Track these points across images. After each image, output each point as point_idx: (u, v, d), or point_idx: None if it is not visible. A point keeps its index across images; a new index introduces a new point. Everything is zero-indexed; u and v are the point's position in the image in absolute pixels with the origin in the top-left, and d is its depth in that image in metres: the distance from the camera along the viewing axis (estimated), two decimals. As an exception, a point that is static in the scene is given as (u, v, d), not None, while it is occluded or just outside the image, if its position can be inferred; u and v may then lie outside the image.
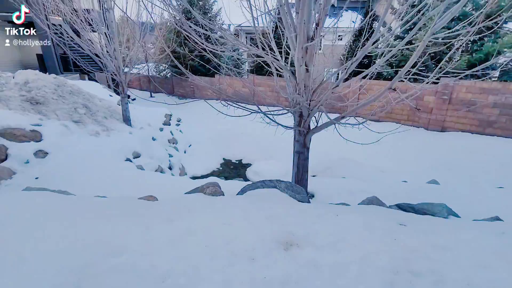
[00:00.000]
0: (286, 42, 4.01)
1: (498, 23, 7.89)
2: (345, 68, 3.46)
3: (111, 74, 8.28)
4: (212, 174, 8.06)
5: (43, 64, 12.41)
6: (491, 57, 9.94)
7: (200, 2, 16.46)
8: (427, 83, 3.04)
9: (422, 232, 1.69)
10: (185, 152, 9.11)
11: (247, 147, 9.60)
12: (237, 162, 9.07)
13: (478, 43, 9.75)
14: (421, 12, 2.88)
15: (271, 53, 3.89)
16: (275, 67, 4.02)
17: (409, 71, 3.02)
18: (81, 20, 6.95)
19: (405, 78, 3.18)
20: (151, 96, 17.92)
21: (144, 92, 19.19)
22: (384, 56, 3.14)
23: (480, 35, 8.87)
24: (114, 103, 9.48)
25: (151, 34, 10.32)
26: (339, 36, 17.85)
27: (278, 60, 4.03)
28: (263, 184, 2.83)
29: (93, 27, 7.37)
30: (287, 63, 4.05)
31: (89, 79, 13.44)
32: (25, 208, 1.88)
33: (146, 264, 1.37)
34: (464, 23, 2.88)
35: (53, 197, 2.20)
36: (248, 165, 8.72)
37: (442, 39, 3.36)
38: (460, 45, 9.52)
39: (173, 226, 1.71)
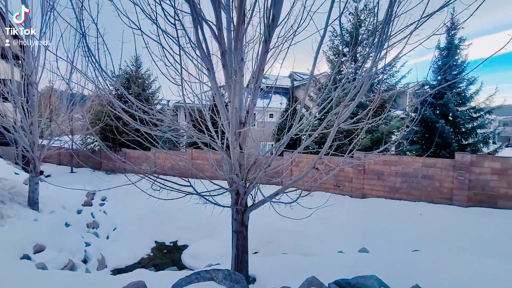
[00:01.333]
0: (222, 124, 4.30)
1: (385, 111, 10.31)
2: (276, 149, 3.83)
3: (22, 149, 7.20)
4: (141, 263, 6.89)
5: None
6: (385, 136, 12.59)
7: (139, 80, 17.04)
8: (342, 161, 3.54)
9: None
10: (107, 237, 7.78)
11: (183, 225, 8.82)
12: (171, 244, 8.10)
13: (375, 125, 12.34)
14: (331, 103, 3.59)
15: (207, 133, 4.08)
16: (211, 146, 4.18)
17: (328, 152, 3.55)
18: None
19: (325, 156, 3.70)
20: (71, 172, 15.80)
21: (63, 167, 16.89)
22: (306, 140, 3.65)
23: (375, 120, 11.11)
24: (20, 182, 7.95)
25: (81, 105, 9.81)
26: (270, 114, 20.23)
27: (215, 141, 4.24)
28: (198, 277, 2.54)
29: (9, 97, 6.65)
30: (223, 143, 4.28)
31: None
32: None
33: None
34: (362, 114, 3.70)
35: None
36: (185, 246, 7.86)
37: (350, 125, 4.13)
38: (363, 127, 11.83)
39: None
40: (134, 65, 17.19)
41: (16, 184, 7.61)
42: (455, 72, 12.18)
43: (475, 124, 12.04)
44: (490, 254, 5.13)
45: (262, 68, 3.37)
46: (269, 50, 3.17)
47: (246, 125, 3.56)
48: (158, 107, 19.28)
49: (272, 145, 17.73)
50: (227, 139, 3.87)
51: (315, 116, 8.98)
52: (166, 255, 7.46)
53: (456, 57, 12.15)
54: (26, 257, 4.85)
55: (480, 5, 2.25)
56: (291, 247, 7.25)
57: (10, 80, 6.67)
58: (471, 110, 12.17)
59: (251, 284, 3.90)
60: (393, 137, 12.42)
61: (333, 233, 7.66)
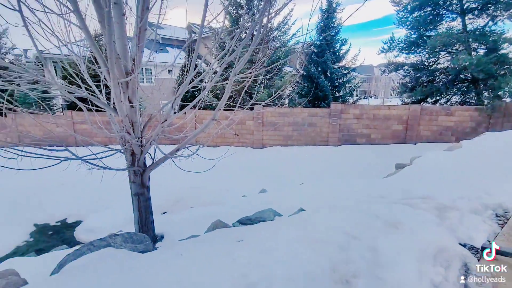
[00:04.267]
0: (104, 77, 3.61)
1: (278, 67, 11.11)
2: (172, 102, 3.57)
3: None
4: (16, 252, 5.63)
5: None
6: (279, 91, 13.94)
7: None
8: (238, 111, 3.68)
9: (254, 242, 1.94)
10: (-48, 234, 5.83)
11: (71, 201, 7.57)
12: (58, 223, 6.89)
13: (271, 81, 13.29)
14: (228, 54, 3.52)
15: (85, 87, 3.35)
16: (93, 103, 3.50)
17: (227, 103, 3.58)
18: None
19: (225, 109, 3.74)
20: None
21: None
22: (204, 90, 3.54)
23: (270, 75, 11.77)
24: None
25: None
26: (168, 70, 18.48)
27: (96, 96, 3.54)
28: (90, 247, 2.27)
29: None
30: (109, 99, 3.63)
31: None
32: None
33: None
34: (257, 65, 3.84)
35: None
36: (78, 223, 6.85)
37: (245, 77, 4.23)
38: (261, 82, 12.51)
39: None
40: None
41: None
42: (332, 34, 14.09)
43: (345, 79, 14.74)
44: (351, 175, 6.83)
45: (146, 6, 2.87)
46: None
47: (133, 74, 3.09)
48: (10, 57, 14.30)
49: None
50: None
51: (215, 71, 8.80)
52: (52, 237, 6.35)
53: (334, 20, 13.98)
54: None
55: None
56: (200, 202, 7.49)
57: None
58: (343, 68, 14.72)
59: (158, 241, 3.86)
60: (286, 91, 13.79)
61: (237, 181, 8.31)
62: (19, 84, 2.97)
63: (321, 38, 14.18)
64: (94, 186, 7.82)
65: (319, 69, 13.97)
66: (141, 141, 3.50)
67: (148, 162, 3.82)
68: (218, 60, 3.54)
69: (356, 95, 17.17)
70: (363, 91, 43.58)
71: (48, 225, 6.86)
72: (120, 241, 2.40)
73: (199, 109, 4.28)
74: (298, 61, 18.41)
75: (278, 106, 10.52)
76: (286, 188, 6.62)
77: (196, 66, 3.36)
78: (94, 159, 3.05)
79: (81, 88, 3.19)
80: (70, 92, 3.14)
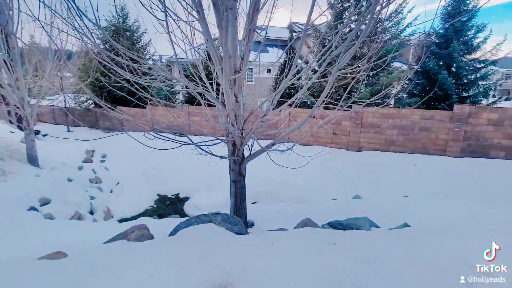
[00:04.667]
0: (217, 74, 4.12)
1: (386, 62, 9.89)
2: (271, 99, 3.73)
3: (14, 107, 7.02)
4: (145, 213, 7.26)
5: None
6: (385, 89, 12.28)
7: (128, 33, 15.91)
8: (338, 109, 3.48)
9: (348, 248, 1.80)
10: (111, 191, 8.06)
11: (184, 180, 9.11)
12: (173, 197, 8.45)
13: (375, 78, 11.96)
14: (330, 50, 3.38)
15: (201, 85, 3.92)
16: (206, 98, 4.06)
17: (325, 100, 3.45)
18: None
19: (323, 107, 3.62)
20: (68, 131, 15.72)
21: (59, 127, 16.74)
22: (302, 88, 3.52)
23: (376, 71, 10.70)
24: (16, 140, 7.93)
25: (69, 62, 9.29)
26: (267, 69, 19.48)
27: (208, 91, 4.08)
28: (197, 220, 2.65)
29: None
30: (218, 94, 4.14)
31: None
32: None
33: None
34: (362, 60, 3.51)
35: None
36: (186, 199, 8.22)
37: (349, 73, 3.96)
38: (363, 79, 11.48)
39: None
40: (120, 15, 15.88)
41: (12, 142, 7.59)
42: (464, 19, 11.38)
43: (477, 75, 11.69)
44: (477, 199, 5.41)
45: (256, 8, 3.07)
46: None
47: (241, 72, 3.38)
48: (150, 62, 18.38)
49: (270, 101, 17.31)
50: (222, 92, 3.73)
51: (314, 69, 8.62)
52: (169, 206, 7.84)
53: (468, 2, 11.24)
54: (33, 209, 5.06)
55: None
56: (288, 196, 7.60)
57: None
58: (476, 61, 11.71)
59: (249, 228, 4.15)
60: (393, 90, 12.15)
61: (329, 184, 7.95)
62: (152, 79, 3.76)
63: (447, 25, 11.70)
64: (201, 169, 9.15)
65: (441, 63, 11.58)
66: (242, 133, 3.82)
67: (246, 153, 4.14)
68: (318, 58, 3.48)
69: (494, 96, 13.32)
70: (507, 91, 33.33)
71: (166, 196, 8.50)
72: (220, 220, 2.69)
73: (295, 107, 4.31)
74: (412, 54, 15.88)
75: (382, 106, 9.39)
76: (385, 198, 5.88)
77: (295, 64, 3.39)
78: (204, 145, 3.54)
79: (198, 85, 3.75)
80: (190, 87, 3.73)
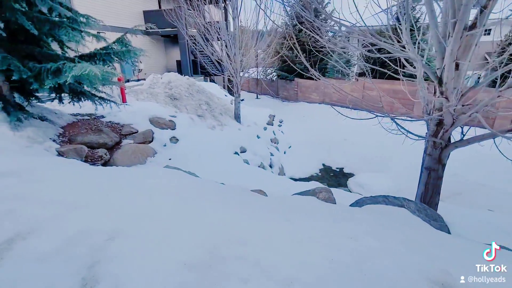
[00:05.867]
0: (420, 37, 3.37)
1: None
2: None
3: (228, 76, 9.28)
4: (311, 178, 7.81)
5: (179, 68, 15.30)
6: None
7: (313, 6, 16.38)
8: None
9: None
10: (284, 152, 9.24)
11: (349, 155, 8.85)
12: (337, 170, 8.48)
13: None
14: None
15: (398, 45, 3.31)
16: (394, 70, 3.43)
17: None
18: (212, 31, 8.14)
19: None
20: (257, 98, 19.26)
21: (251, 94, 20.84)
22: None
23: None
24: (228, 102, 10.62)
25: (263, 41, 10.95)
26: (487, 31, 14.17)
27: (409, 55, 3.41)
28: (385, 200, 2.40)
29: (219, 36, 8.43)
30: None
31: (210, 81, 15.65)
32: (170, 184, 2.21)
33: (268, 263, 1.31)
34: None
35: (186, 178, 2.53)
36: (350, 175, 8.01)
37: None
38: None
39: (293, 228, 1.61)
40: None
41: (226, 103, 10.25)
42: None
43: None
44: None
45: None
46: None
47: (476, 28, 2.50)
48: (330, 34, 18.31)
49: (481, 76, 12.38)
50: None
51: None
52: (332, 178, 7.98)
53: None
54: (236, 153, 6.72)
55: None
56: (484, 203, 5.71)
57: (217, 21, 8.34)
58: None
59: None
60: None
61: None
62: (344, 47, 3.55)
63: None
64: (372, 148, 8.50)
65: None
66: (454, 111, 2.96)
67: (452, 139, 3.24)
68: None
69: None
70: None
71: (331, 168, 8.66)
72: (414, 208, 2.31)
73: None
74: None
75: None
76: None
77: None
78: (400, 120, 3.07)
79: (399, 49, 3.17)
80: (394, 51, 3.24)
